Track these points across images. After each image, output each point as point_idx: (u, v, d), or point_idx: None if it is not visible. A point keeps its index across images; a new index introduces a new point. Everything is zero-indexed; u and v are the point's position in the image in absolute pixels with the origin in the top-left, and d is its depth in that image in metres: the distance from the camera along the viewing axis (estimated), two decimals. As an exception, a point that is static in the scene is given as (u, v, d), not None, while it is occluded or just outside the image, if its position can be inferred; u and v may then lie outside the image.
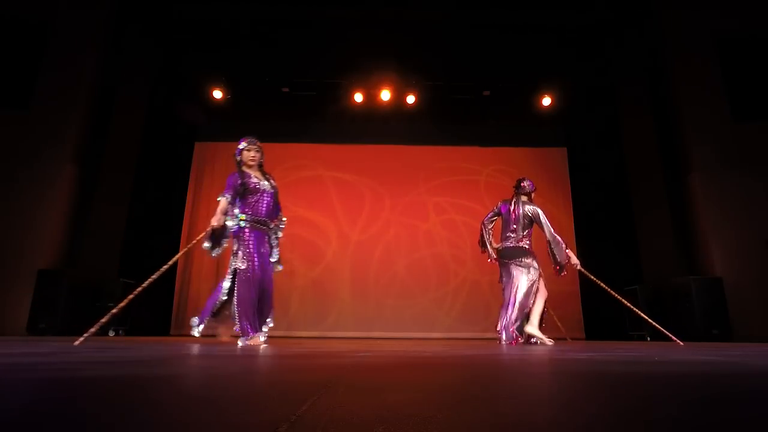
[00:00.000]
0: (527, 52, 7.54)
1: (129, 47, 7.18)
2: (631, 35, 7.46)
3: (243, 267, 3.39)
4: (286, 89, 7.78)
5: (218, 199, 3.48)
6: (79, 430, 0.60)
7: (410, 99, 7.81)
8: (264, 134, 8.33)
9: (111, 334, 5.80)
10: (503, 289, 4.21)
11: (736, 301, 5.64)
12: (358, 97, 7.79)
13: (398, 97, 7.85)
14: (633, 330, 6.35)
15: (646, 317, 3.76)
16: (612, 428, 0.63)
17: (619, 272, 7.29)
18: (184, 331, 7.45)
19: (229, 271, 3.45)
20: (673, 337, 3.75)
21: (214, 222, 3.40)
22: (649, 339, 5.96)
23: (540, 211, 4.11)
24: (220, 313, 3.48)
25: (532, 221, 4.15)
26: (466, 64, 7.73)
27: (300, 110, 8.15)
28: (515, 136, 8.49)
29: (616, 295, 4.11)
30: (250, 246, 3.45)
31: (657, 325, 3.68)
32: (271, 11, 7.22)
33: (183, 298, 7.62)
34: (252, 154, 3.67)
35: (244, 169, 3.65)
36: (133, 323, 6.41)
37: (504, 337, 4.00)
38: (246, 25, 7.36)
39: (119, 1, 6.89)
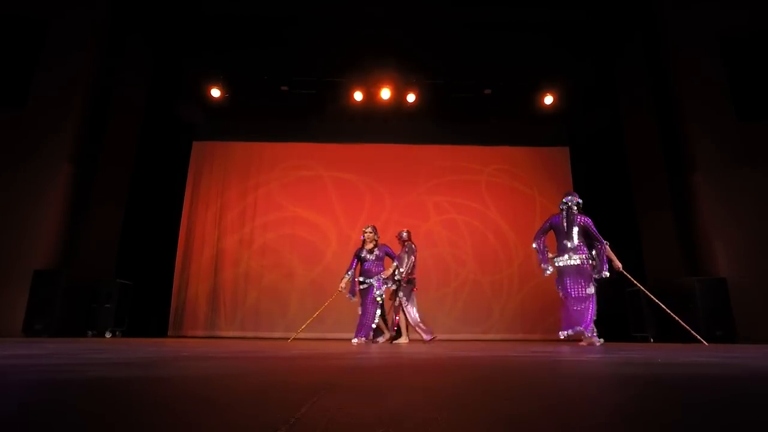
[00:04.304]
0: (528, 50, 7.51)
1: (126, 46, 7.16)
2: (634, 33, 7.43)
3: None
4: (285, 88, 7.74)
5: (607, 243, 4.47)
6: (80, 431, 0.60)
7: (410, 98, 7.77)
8: (263, 133, 8.50)
9: (108, 335, 5.75)
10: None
11: (740, 302, 5.58)
12: (358, 96, 7.74)
13: (398, 95, 7.80)
14: (636, 331, 6.30)
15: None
16: (612, 429, 0.61)
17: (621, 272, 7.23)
18: (182, 332, 7.40)
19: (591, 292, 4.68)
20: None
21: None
22: (652, 340, 5.90)
23: None
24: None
25: None
26: (467, 62, 7.70)
27: (299, 109, 8.11)
28: (517, 135, 8.45)
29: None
30: None
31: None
32: (269, 8, 7.18)
33: (181, 300, 7.57)
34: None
35: None
36: (130, 324, 6.37)
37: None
38: (244, 23, 7.33)
39: (116, 0, 6.85)
